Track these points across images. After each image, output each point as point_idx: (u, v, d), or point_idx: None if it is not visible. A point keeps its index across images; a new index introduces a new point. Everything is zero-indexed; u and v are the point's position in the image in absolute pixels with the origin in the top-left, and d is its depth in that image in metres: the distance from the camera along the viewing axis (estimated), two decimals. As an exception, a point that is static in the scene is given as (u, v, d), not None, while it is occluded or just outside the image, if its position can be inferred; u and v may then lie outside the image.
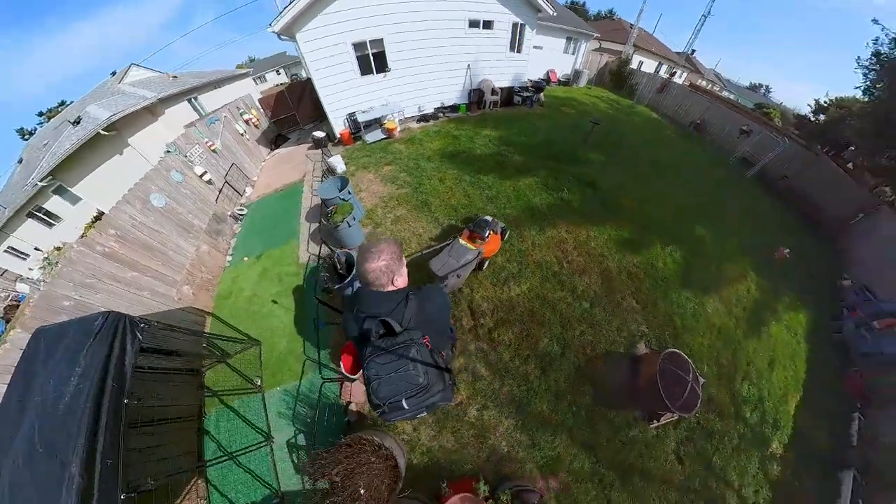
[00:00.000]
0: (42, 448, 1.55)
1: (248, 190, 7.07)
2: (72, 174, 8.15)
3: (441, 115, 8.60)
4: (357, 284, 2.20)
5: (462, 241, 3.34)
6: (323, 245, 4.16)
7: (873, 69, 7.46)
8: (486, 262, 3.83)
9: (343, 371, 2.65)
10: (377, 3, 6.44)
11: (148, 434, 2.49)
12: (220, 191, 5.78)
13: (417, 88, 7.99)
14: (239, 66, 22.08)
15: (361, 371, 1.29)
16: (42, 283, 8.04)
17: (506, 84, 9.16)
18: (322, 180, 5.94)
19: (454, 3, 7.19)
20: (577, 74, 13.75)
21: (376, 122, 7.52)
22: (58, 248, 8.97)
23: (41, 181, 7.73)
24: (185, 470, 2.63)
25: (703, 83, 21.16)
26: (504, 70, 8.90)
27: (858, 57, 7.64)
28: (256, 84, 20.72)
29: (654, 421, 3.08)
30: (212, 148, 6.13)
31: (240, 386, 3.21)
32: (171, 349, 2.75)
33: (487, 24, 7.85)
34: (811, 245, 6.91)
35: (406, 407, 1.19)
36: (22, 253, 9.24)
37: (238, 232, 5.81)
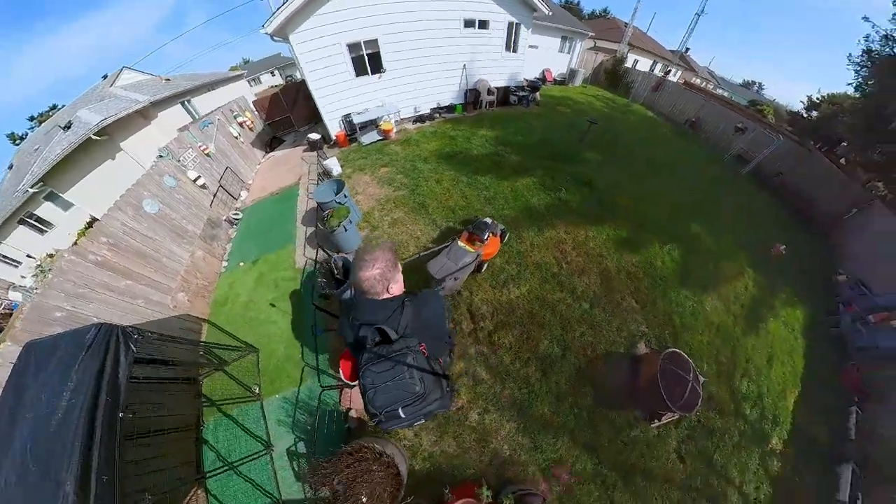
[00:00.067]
0: (35, 466, 1.51)
1: (244, 194, 7.00)
2: (63, 180, 8.01)
3: (437, 115, 8.58)
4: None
5: (461, 244, 3.32)
6: (319, 249, 4.11)
7: (865, 66, 7.54)
8: (485, 265, 3.81)
9: (342, 377, 2.62)
10: (372, 3, 6.39)
11: (144, 445, 2.45)
12: (214, 195, 5.71)
13: (413, 89, 7.95)
14: (233, 68, 21.91)
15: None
16: (35, 291, 7.91)
17: (502, 84, 9.15)
18: (318, 183, 5.90)
19: (449, 3, 7.15)
20: (572, 73, 13.78)
21: (372, 124, 7.47)
22: (50, 255, 8.83)
23: (32, 187, 7.59)
24: (184, 482, 2.59)
25: (698, 81, 21.28)
26: (500, 70, 8.89)
27: (850, 54, 7.74)
28: (251, 86, 20.53)
29: (656, 420, 3.09)
30: (205, 152, 6.06)
31: (238, 393, 3.17)
32: (167, 359, 2.70)
33: (483, 24, 7.84)
34: (806, 241, 6.97)
35: (403, 416, 1.19)
36: (14, 261, 9.08)
37: (233, 237, 5.75)
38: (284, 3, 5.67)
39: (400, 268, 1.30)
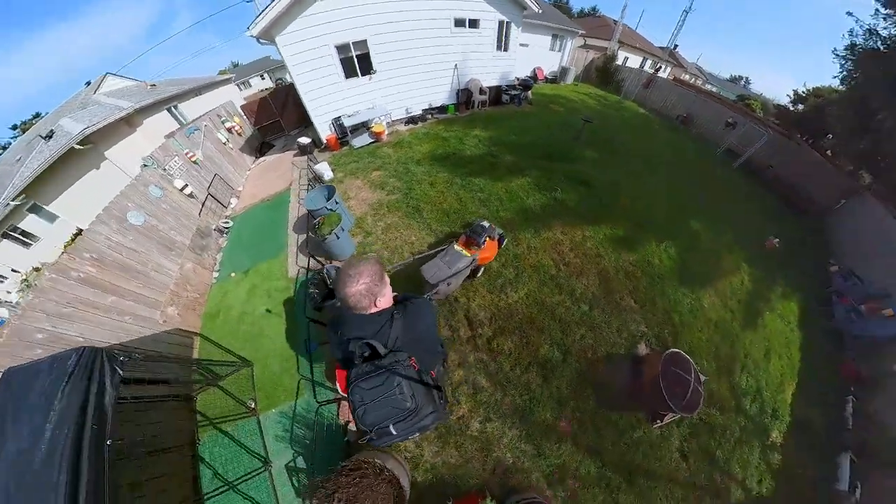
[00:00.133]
0: (17, 507, 1.43)
1: (234, 201, 6.86)
2: (47, 191, 7.79)
3: (429, 116, 8.50)
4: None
5: (457, 247, 3.27)
6: (311, 258, 4.03)
7: (850, 59, 7.65)
8: (482, 270, 3.76)
9: (340, 390, 2.56)
10: (359, 3, 6.29)
11: (138, 468, 2.36)
12: (203, 204, 5.58)
13: (404, 90, 7.86)
14: (222, 72, 21.55)
15: None
16: (20, 306, 7.68)
17: (494, 83, 9.10)
18: (308, 188, 5.79)
19: (439, 2, 7.08)
20: (563, 72, 13.79)
21: (363, 126, 7.38)
22: (36, 269, 8.58)
23: (13, 200, 7.37)
24: (179, 504, 2.51)
25: (687, 77, 21.48)
26: (491, 69, 8.84)
27: (835, 48, 7.86)
28: (241, 90, 20.24)
29: (658, 421, 3.08)
30: (192, 159, 5.92)
31: (234, 409, 3.09)
32: (157, 378, 2.61)
33: (473, 23, 7.77)
34: (798, 233, 7.05)
35: (395, 432, 1.16)
36: (-2, 275, 8.81)
37: (224, 246, 5.62)
38: (269, 5, 5.55)
39: (387, 280, 1.27)
